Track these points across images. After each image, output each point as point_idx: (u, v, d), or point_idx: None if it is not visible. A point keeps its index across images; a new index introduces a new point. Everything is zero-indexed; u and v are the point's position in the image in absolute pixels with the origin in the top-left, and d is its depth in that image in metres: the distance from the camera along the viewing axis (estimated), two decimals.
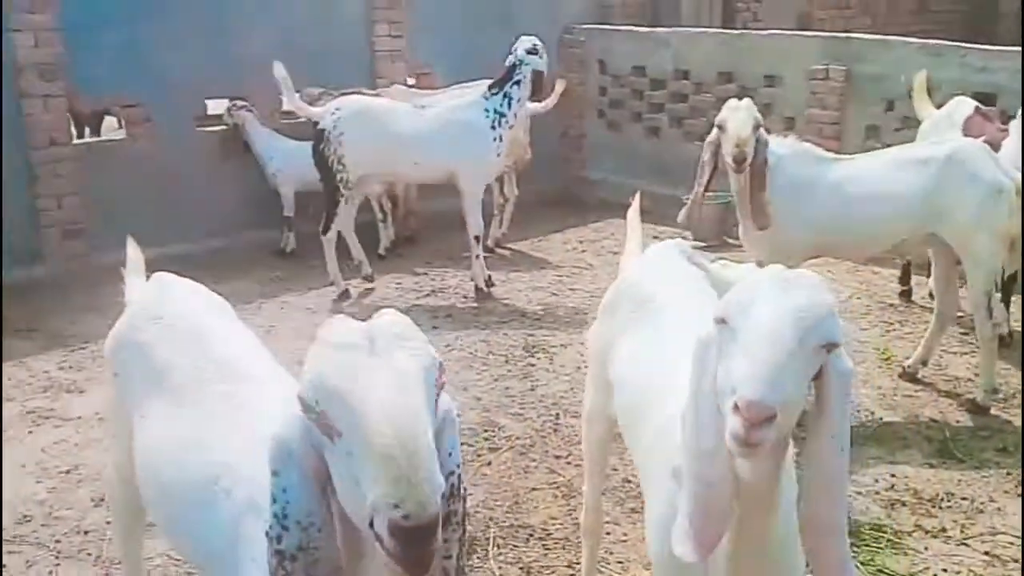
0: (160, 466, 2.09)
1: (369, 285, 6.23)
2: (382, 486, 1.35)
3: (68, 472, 3.98)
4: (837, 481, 1.71)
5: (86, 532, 3.55)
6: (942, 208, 4.16)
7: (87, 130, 8.32)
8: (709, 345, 1.72)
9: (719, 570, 1.85)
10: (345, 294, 6.03)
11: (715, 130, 4.33)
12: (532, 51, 6.00)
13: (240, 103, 6.82)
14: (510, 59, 6.01)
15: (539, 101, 6.46)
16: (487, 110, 5.92)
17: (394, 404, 1.39)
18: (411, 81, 7.73)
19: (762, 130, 4.28)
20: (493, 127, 5.92)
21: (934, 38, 7.24)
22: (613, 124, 8.50)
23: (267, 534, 1.50)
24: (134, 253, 2.71)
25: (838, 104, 6.79)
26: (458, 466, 1.57)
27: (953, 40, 6.54)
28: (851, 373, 1.70)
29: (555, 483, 3.86)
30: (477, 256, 6.09)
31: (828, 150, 6.52)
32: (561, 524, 3.57)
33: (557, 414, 4.40)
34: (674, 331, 2.24)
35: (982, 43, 6.36)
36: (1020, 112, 4.73)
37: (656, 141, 8.17)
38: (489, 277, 6.21)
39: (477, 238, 6.06)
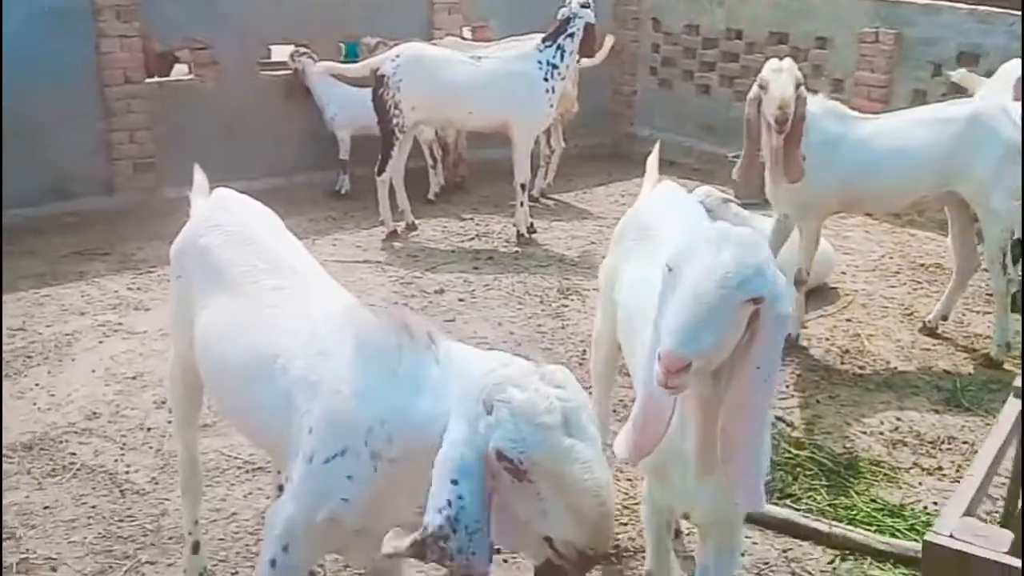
0: (221, 349, 2.36)
1: (413, 232, 6.52)
2: (582, 535, 1.66)
3: (134, 378, 4.38)
4: (754, 405, 1.94)
5: (148, 429, 3.93)
6: (961, 166, 4.28)
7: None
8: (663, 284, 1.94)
9: (689, 467, 2.10)
10: (393, 234, 6.34)
11: (756, 88, 4.36)
12: (585, 4, 6.18)
13: (303, 50, 7.12)
14: (564, 12, 6.20)
15: (589, 55, 6.64)
16: (540, 62, 6.13)
17: (601, 484, 1.65)
18: (467, 34, 7.94)
19: (802, 88, 4.31)
20: (546, 79, 6.13)
21: (987, 5, 7.26)
22: (664, 82, 8.61)
23: (435, 525, 1.69)
24: (200, 178, 2.96)
25: (887, 67, 6.83)
26: None
27: (1007, 8, 6.53)
28: (786, 317, 1.93)
29: None
30: (521, 203, 6.34)
31: (875, 113, 6.68)
32: None
33: (584, 350, 4.66)
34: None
35: None
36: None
37: (706, 99, 8.28)
38: (531, 224, 6.46)
39: (523, 186, 6.30)
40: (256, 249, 2.45)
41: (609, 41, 7.08)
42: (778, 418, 3.92)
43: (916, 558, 2.92)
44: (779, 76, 4.23)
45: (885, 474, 3.60)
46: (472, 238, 6.51)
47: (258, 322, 2.27)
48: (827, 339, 4.89)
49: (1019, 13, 6.23)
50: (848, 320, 5.13)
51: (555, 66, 6.11)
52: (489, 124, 6.34)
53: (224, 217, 2.61)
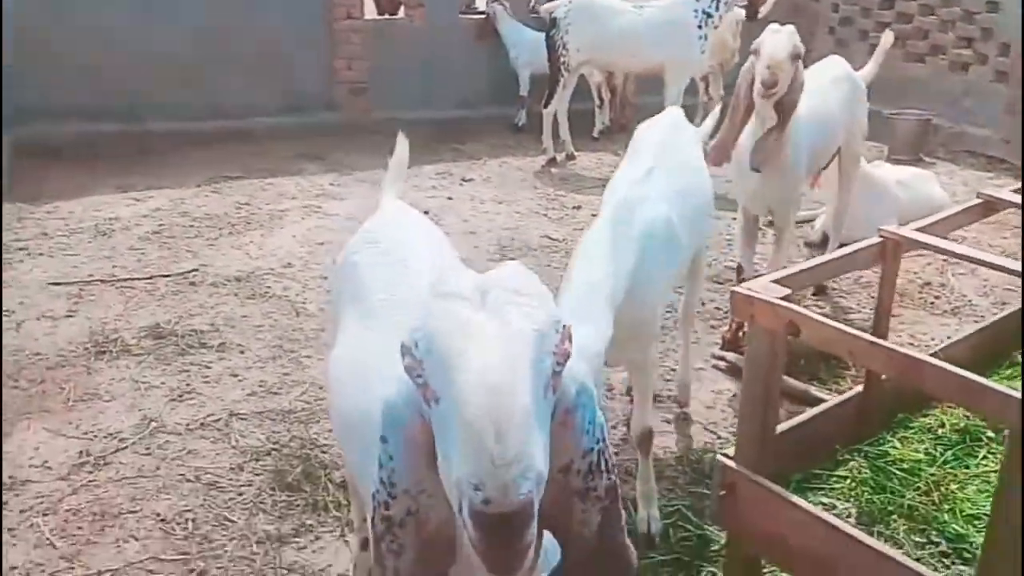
0: (339, 386, 2.02)
1: (572, 161, 7.38)
2: (466, 464, 1.16)
3: (321, 244, 5.60)
4: None
5: (324, 277, 5.12)
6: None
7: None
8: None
9: None
10: (552, 161, 7.27)
11: (750, 58, 3.86)
12: None
13: None
14: None
15: (752, 16, 7.16)
16: (696, 11, 6.76)
17: (492, 368, 1.19)
18: None
19: (800, 63, 3.84)
20: (700, 26, 6.76)
21: None
22: (840, 41, 8.88)
23: (374, 497, 1.39)
24: (399, 158, 2.68)
25: None
26: (600, 442, 1.39)
27: None
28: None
29: None
30: None
31: None
32: None
33: None
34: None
35: None
36: None
37: None
38: None
39: None
40: (405, 276, 2.07)
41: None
42: None
43: None
44: (774, 37, 3.78)
45: None
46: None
47: (375, 368, 1.80)
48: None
49: None
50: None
51: (709, 15, 6.72)
52: (646, 66, 7.06)
53: (386, 233, 2.29)
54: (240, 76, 7.55)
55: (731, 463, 2.30)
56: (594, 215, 6.23)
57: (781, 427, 2.45)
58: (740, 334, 4.40)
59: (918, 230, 2.54)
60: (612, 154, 7.68)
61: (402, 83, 8.06)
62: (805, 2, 8.96)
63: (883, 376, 2.61)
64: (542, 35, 7.39)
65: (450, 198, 6.46)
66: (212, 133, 7.47)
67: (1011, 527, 1.77)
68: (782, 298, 2.12)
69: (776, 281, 2.23)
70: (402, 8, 8.53)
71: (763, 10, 7.38)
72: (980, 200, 2.86)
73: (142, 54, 7.22)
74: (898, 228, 2.55)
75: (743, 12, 7.18)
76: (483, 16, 8.26)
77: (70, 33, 6.97)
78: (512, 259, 5.37)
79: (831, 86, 4.62)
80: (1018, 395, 1.68)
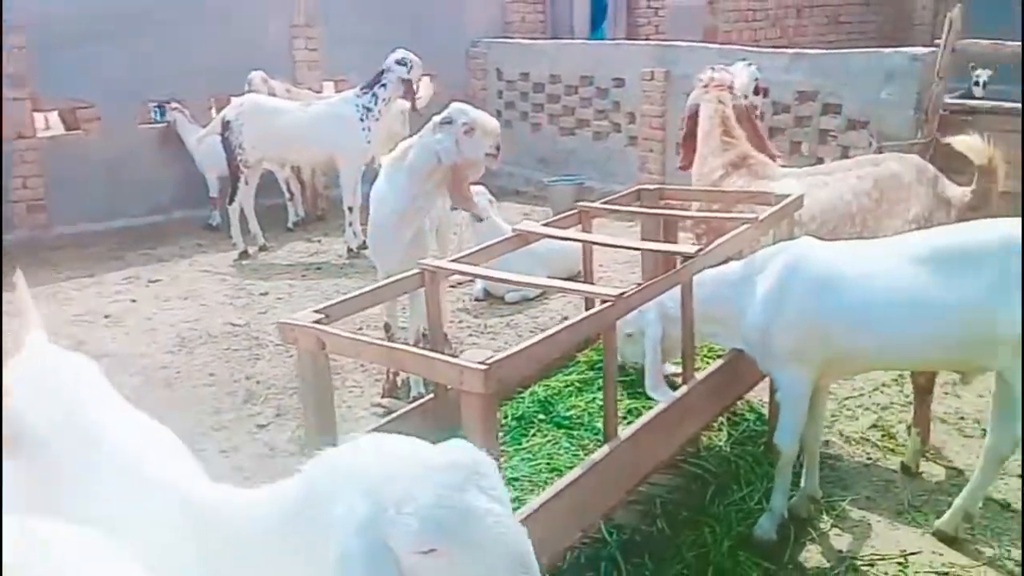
0: None
1: (263, 252, 7.75)
2: None
3: None
4: None
5: None
6: None
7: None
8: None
9: None
10: (244, 254, 7.58)
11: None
12: (401, 62, 7.48)
13: (175, 104, 8.43)
14: (383, 66, 7.50)
15: (413, 105, 7.90)
16: (357, 105, 7.44)
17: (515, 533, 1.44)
18: (329, 86, 9.27)
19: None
20: (362, 119, 7.42)
21: (845, 48, 8.58)
22: (507, 123, 9.93)
23: None
24: (20, 293, 2.31)
25: (661, 100, 8.16)
26: None
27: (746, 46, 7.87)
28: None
29: None
30: (351, 224, 7.58)
31: (656, 140, 8.01)
32: None
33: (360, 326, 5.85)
34: None
35: None
36: None
37: (538, 135, 9.61)
38: (364, 241, 7.67)
39: (350, 208, 7.54)
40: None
41: (427, 89, 8.36)
42: None
43: None
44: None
45: None
46: (312, 254, 7.75)
47: None
48: None
49: (752, 50, 7.59)
50: None
51: (369, 109, 7.40)
52: (319, 159, 7.63)
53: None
54: None
55: None
56: (280, 299, 6.69)
57: (358, 435, 2.89)
58: (398, 382, 4.91)
59: (453, 260, 3.12)
60: (305, 242, 8.11)
61: (85, 196, 8.10)
62: (474, 89, 9.98)
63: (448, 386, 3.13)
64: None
65: (134, 300, 6.57)
66: None
67: None
68: (315, 322, 2.58)
69: (319, 310, 2.69)
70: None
71: (421, 101, 8.20)
72: (515, 233, 3.54)
73: None
74: (434, 260, 3.13)
75: (407, 103, 7.92)
76: (165, 124, 8.50)
77: None
78: (191, 349, 5.60)
79: None
80: (456, 360, 2.22)
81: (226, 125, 7.39)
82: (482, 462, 1.47)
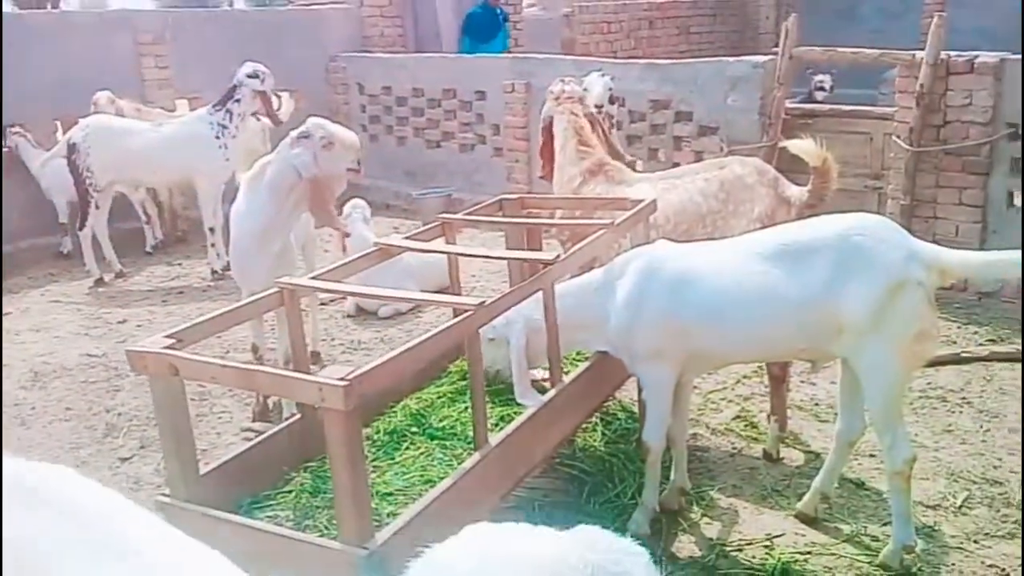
0: None
1: (120, 279, 7.41)
2: None
3: None
4: None
5: None
6: None
7: None
8: None
9: None
10: (100, 281, 7.22)
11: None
12: (252, 75, 7.26)
13: (15, 129, 7.95)
14: (234, 81, 7.29)
15: (273, 119, 7.73)
16: (211, 123, 7.19)
17: None
18: (182, 105, 8.94)
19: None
20: (217, 137, 7.19)
21: (697, 57, 8.87)
22: (373, 137, 9.86)
23: None
24: None
25: (524, 111, 8.28)
26: None
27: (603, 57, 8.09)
28: None
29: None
30: (213, 244, 7.34)
31: (520, 151, 8.10)
32: None
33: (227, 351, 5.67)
34: None
35: None
36: None
37: (403, 149, 9.57)
38: (228, 263, 7.44)
39: (212, 229, 7.30)
40: None
41: (288, 104, 8.19)
42: None
43: None
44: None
45: None
46: (173, 278, 7.47)
47: None
48: None
49: (607, 61, 7.81)
50: None
51: (224, 126, 7.17)
52: (174, 181, 7.36)
53: None
54: None
55: (166, 499, 2.59)
56: (139, 326, 6.40)
57: (224, 458, 2.80)
58: (269, 405, 4.78)
59: (314, 277, 3.08)
60: (166, 265, 7.80)
61: None
62: (337, 104, 9.87)
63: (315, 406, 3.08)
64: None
65: None
66: None
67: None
68: (167, 347, 2.49)
69: (171, 335, 2.60)
70: None
71: (281, 117, 8.03)
72: (375, 248, 3.52)
73: None
74: (291, 278, 3.07)
75: (267, 121, 7.74)
76: (7, 150, 8.01)
77: None
78: (45, 383, 5.31)
79: None
80: (314, 378, 2.19)
81: (72, 148, 7.04)
82: (619, 560, 1.16)
